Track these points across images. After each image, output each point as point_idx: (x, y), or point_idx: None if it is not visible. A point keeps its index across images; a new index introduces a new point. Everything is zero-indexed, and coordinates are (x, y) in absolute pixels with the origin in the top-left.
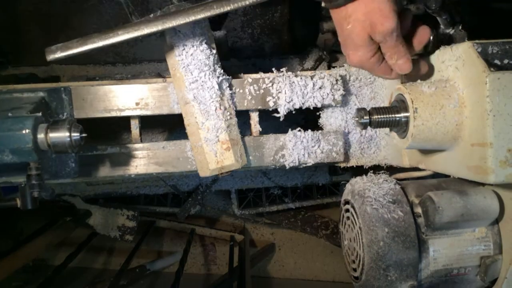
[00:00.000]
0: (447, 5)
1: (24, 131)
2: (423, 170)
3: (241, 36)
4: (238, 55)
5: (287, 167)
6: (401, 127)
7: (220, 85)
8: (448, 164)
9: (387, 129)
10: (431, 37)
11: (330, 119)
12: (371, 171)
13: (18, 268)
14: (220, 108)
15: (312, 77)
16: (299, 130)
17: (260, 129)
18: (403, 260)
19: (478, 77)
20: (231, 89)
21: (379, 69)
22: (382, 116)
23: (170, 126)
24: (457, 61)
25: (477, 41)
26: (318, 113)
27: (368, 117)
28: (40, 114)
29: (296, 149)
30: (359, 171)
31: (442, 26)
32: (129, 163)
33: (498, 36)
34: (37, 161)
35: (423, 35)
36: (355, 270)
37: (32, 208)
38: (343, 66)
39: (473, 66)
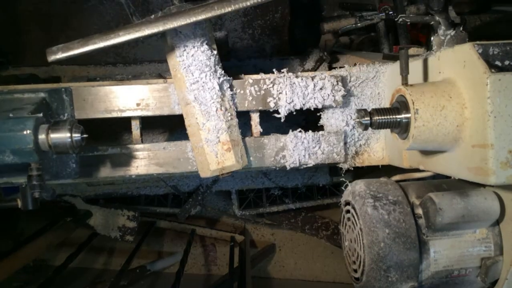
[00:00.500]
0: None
1: (25, 132)
2: (424, 171)
3: (241, 36)
4: (239, 55)
5: (288, 168)
6: (402, 128)
7: (221, 86)
8: (449, 165)
9: (388, 130)
10: (432, 38)
11: (330, 120)
12: (372, 172)
13: (19, 268)
14: (221, 109)
15: (313, 78)
16: (300, 131)
17: (261, 130)
18: (403, 261)
19: (479, 78)
20: (232, 90)
21: None
22: (383, 117)
23: (170, 126)
24: (458, 63)
25: (478, 42)
26: (318, 114)
27: (369, 118)
28: (41, 115)
29: (296, 150)
30: (360, 172)
31: (443, 27)
32: (130, 163)
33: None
34: (38, 161)
35: None
36: (355, 271)
37: (33, 208)
38: (344, 67)
39: (474, 67)
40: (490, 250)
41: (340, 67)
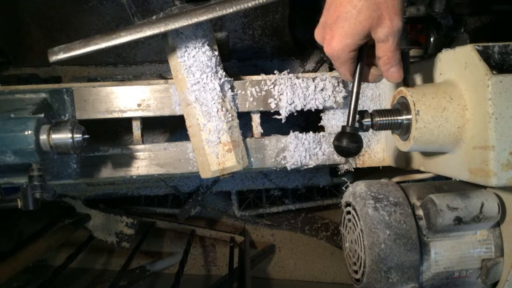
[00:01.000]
0: (450, 8)
1: (26, 132)
2: (424, 172)
3: (242, 37)
4: (239, 56)
5: (289, 168)
6: (403, 130)
7: (222, 86)
8: (450, 166)
9: (388, 132)
10: (432, 39)
11: (331, 121)
12: (373, 173)
13: (19, 271)
14: (221, 109)
15: (314, 79)
16: (301, 132)
17: (262, 131)
18: (404, 262)
19: (480, 79)
20: (232, 91)
21: (350, 68)
22: (384, 119)
23: (171, 127)
24: (459, 64)
25: (479, 43)
26: (319, 115)
27: (370, 119)
28: (42, 115)
29: (297, 151)
30: (361, 173)
31: (444, 29)
32: (130, 164)
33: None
34: (39, 162)
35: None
36: (356, 272)
37: (34, 209)
38: None
39: (475, 68)
40: (490, 252)
41: None
